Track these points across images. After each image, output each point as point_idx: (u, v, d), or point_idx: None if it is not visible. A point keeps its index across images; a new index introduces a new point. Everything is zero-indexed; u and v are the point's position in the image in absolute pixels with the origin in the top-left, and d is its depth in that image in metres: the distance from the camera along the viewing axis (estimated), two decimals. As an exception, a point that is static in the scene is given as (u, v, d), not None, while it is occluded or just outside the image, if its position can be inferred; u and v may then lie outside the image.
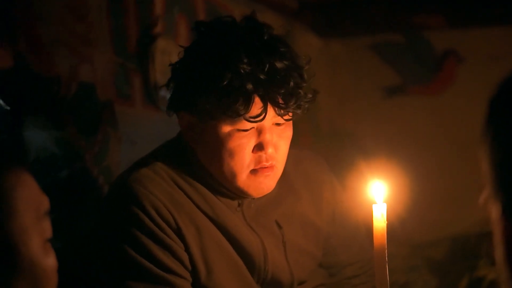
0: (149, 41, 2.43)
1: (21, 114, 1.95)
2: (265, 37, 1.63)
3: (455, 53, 3.86)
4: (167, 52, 2.43)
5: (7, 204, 1.05)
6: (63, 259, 2.01)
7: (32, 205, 1.09)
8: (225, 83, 1.58)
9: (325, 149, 3.71)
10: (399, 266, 3.60)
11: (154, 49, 2.42)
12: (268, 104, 1.60)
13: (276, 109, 1.61)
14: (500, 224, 0.86)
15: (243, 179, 1.67)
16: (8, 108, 1.92)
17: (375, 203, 1.53)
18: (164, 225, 1.66)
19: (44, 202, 1.11)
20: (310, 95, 1.64)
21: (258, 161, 1.66)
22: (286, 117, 1.65)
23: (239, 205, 1.74)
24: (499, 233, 0.87)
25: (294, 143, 1.90)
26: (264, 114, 1.60)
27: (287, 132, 1.69)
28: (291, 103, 1.61)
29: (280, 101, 1.60)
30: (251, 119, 1.60)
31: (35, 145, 1.97)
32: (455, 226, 3.60)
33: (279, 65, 1.58)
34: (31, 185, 1.10)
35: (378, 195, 1.54)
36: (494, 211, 0.88)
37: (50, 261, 1.10)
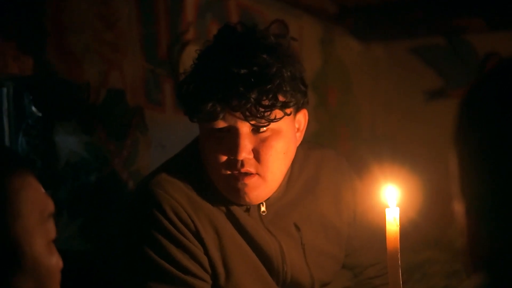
0: (180, 47, 2.47)
1: (52, 120, 2.01)
2: (237, 43, 1.63)
3: (497, 55, 3.81)
4: (198, 58, 2.47)
5: (12, 206, 1.09)
6: (93, 260, 2.07)
7: (36, 207, 1.12)
8: (191, 84, 1.63)
9: (365, 153, 3.70)
10: (440, 270, 3.57)
11: (185, 55, 2.46)
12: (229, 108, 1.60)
13: (232, 112, 1.60)
14: (463, 220, 0.88)
15: (221, 183, 1.68)
16: (40, 114, 1.98)
17: (388, 207, 1.54)
18: (183, 228, 1.69)
19: (49, 205, 1.15)
20: (278, 104, 1.60)
21: (233, 166, 1.64)
22: (254, 122, 1.61)
23: (247, 209, 1.76)
24: (463, 228, 0.88)
25: (330, 146, 1.90)
26: (215, 113, 1.60)
27: (274, 141, 1.65)
28: (242, 106, 1.58)
29: (233, 103, 1.59)
30: (206, 118, 1.62)
31: (66, 150, 2.03)
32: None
33: (236, 70, 1.58)
34: (36, 188, 1.13)
35: (391, 199, 1.55)
36: (459, 208, 0.89)
37: (53, 261, 1.13)
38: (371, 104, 3.96)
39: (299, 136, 1.76)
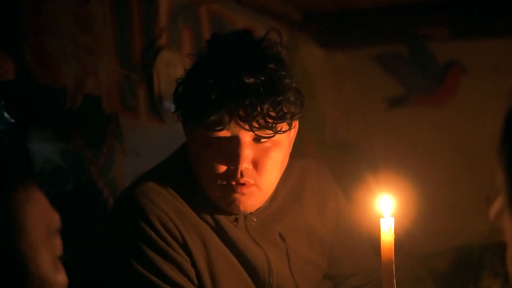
0: (154, 53, 2.43)
1: (26, 126, 1.94)
2: (245, 51, 1.60)
3: (458, 64, 3.87)
4: (172, 64, 2.43)
5: (17, 220, 1.05)
6: (69, 271, 2.01)
7: (42, 221, 1.08)
8: (193, 91, 1.59)
9: (330, 161, 3.70)
10: (404, 277, 3.58)
11: (159, 60, 2.43)
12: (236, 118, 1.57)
13: (239, 121, 1.57)
14: None
15: (216, 192, 1.65)
16: (13, 120, 1.92)
17: (383, 217, 1.53)
18: (170, 239, 1.66)
19: (55, 219, 1.11)
20: (288, 116, 1.60)
21: (232, 176, 1.61)
22: (260, 133, 1.59)
23: (235, 219, 1.73)
24: None
25: (299, 153, 1.89)
26: (222, 122, 1.57)
27: (273, 152, 1.64)
28: (251, 117, 1.56)
29: (241, 113, 1.57)
30: (211, 127, 1.58)
31: (40, 157, 1.97)
32: (460, 237, 3.59)
33: (247, 79, 1.55)
34: (42, 202, 1.10)
35: (385, 209, 1.54)
36: (509, 224, 0.87)
37: (60, 278, 1.10)
38: (334, 111, 3.98)
39: (290, 146, 1.75)
